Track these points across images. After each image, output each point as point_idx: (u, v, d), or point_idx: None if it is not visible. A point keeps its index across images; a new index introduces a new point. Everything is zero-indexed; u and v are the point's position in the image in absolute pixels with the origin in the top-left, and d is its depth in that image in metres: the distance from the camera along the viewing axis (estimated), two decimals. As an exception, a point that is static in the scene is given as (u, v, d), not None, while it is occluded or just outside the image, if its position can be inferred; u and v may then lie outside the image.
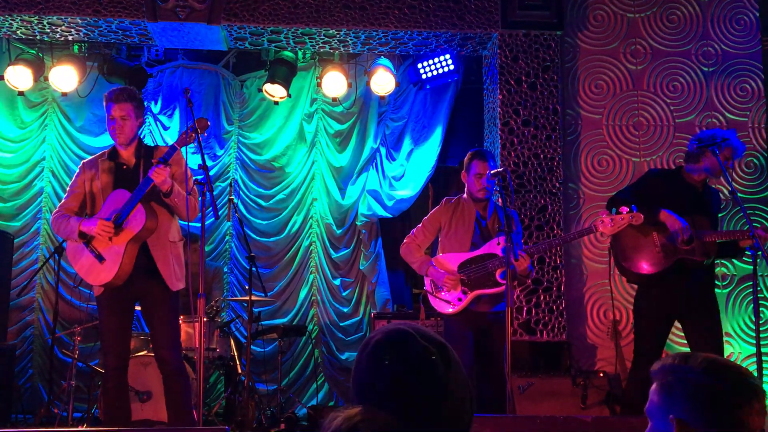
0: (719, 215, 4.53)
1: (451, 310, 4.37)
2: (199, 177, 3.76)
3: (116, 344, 3.99)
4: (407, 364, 1.29)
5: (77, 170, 4.15)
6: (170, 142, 6.55)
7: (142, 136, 4.04)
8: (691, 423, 1.49)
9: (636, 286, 4.58)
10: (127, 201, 3.87)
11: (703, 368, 1.51)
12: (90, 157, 4.21)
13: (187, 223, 3.74)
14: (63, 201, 4.11)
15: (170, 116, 6.78)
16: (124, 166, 4.05)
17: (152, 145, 4.36)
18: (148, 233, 3.92)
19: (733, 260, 5.83)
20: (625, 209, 4.03)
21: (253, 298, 5.49)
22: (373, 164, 6.86)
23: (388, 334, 1.34)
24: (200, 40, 6.10)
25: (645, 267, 4.25)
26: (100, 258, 3.92)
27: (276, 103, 6.61)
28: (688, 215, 4.16)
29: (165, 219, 4.01)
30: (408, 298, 6.88)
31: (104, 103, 4.06)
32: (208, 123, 3.92)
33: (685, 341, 4.49)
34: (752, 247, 4.08)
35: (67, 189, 4.16)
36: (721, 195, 5.88)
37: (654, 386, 1.58)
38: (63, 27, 5.94)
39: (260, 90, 6.60)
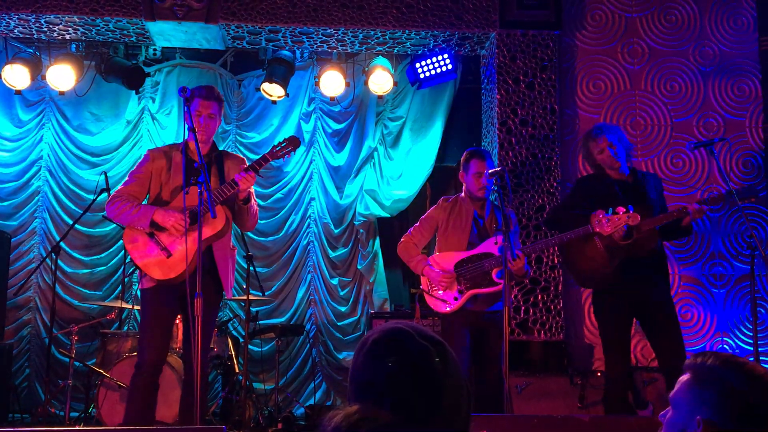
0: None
1: (447, 309, 4.37)
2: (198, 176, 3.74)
3: (158, 340, 3.85)
4: (405, 362, 1.29)
5: (143, 156, 4.05)
6: (167, 141, 6.57)
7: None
8: (719, 423, 1.49)
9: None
10: (206, 200, 3.74)
11: (745, 375, 1.52)
12: (158, 146, 4.14)
13: (242, 232, 3.68)
14: (125, 186, 3.96)
15: (168, 115, 6.77)
16: (195, 164, 3.92)
17: (222, 149, 4.30)
18: (220, 236, 3.87)
19: (732, 260, 5.85)
20: (621, 209, 4.01)
21: (251, 297, 5.49)
22: (371, 164, 6.86)
23: (385, 332, 1.34)
24: (198, 40, 6.10)
25: (598, 272, 4.20)
26: (168, 252, 3.82)
27: (274, 102, 6.60)
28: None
29: (230, 225, 3.99)
30: (406, 297, 6.87)
31: (190, 99, 3.93)
32: (300, 142, 3.95)
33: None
34: (750, 247, 4.07)
35: (130, 174, 4.01)
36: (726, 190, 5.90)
37: (686, 378, 1.58)
38: (60, 26, 5.93)
39: (258, 89, 6.59)
